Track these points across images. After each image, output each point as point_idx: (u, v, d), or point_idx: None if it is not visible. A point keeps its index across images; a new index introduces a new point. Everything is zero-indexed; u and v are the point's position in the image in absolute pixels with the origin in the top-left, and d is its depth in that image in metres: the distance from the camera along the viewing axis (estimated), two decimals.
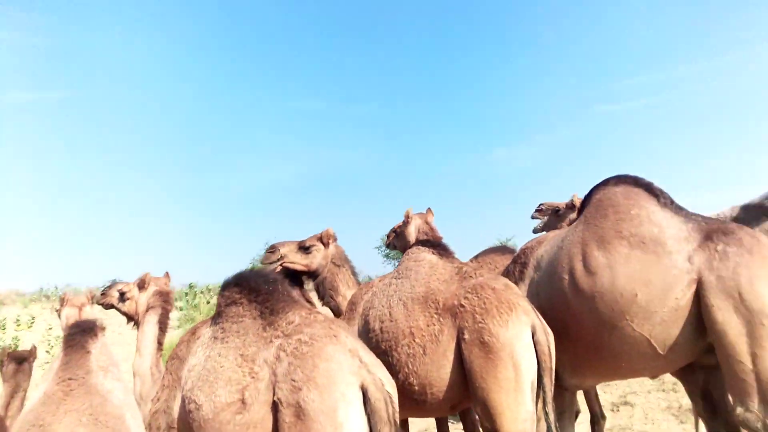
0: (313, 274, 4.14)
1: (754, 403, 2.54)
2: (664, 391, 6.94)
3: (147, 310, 3.82)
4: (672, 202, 3.04)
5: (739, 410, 2.62)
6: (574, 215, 4.68)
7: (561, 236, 3.34)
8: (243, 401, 2.32)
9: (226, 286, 2.81)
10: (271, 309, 2.60)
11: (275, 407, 2.24)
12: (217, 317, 2.75)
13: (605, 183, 3.26)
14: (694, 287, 2.70)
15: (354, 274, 4.18)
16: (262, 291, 2.69)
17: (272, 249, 4.10)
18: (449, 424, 4.42)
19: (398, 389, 3.12)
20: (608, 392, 7.48)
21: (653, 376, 3.31)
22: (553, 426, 2.76)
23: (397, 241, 4.65)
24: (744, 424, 2.63)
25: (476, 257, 4.66)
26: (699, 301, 2.68)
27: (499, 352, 2.76)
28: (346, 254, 4.25)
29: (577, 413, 5.20)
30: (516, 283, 3.48)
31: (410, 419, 3.81)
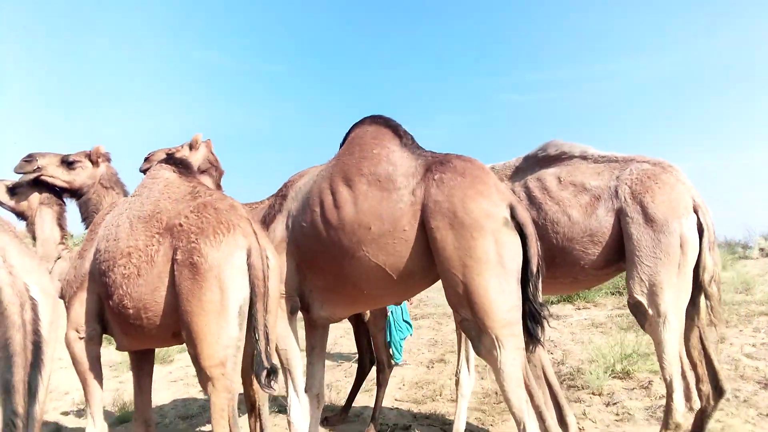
0: (76, 193, 3.77)
1: (468, 311, 2.69)
2: None
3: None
4: (413, 142, 3.16)
5: (460, 319, 2.80)
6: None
7: (318, 170, 3.38)
8: None
9: None
10: None
11: None
12: None
13: (361, 122, 3.33)
14: (419, 216, 2.82)
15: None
16: None
17: (29, 158, 3.64)
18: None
19: (115, 313, 2.93)
20: (431, 351, 7.71)
21: (396, 303, 3.40)
22: (263, 353, 2.65)
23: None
24: (466, 331, 2.78)
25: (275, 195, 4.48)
26: (425, 228, 2.79)
27: (205, 274, 2.60)
28: (119, 177, 3.90)
29: (372, 363, 5.26)
30: (275, 214, 3.43)
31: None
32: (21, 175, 3.71)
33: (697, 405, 3.12)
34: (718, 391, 3.34)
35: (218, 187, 4.08)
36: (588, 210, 3.30)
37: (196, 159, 4.08)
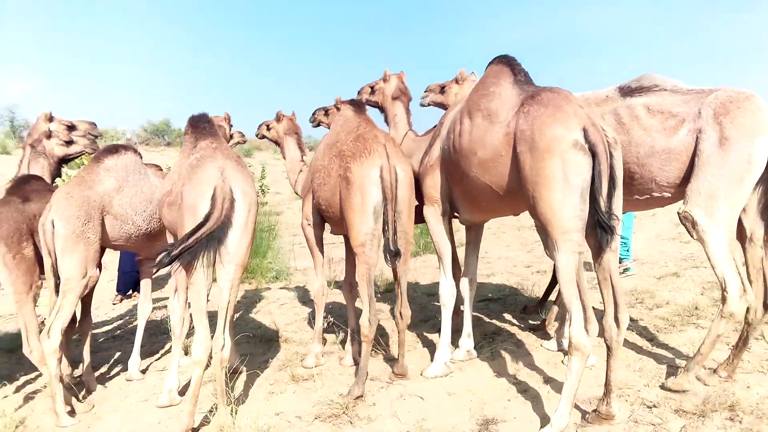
0: (278, 143, 5.78)
1: (537, 220, 3.21)
2: None
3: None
4: (525, 78, 3.61)
5: (537, 225, 3.36)
6: (458, 88, 5.17)
7: (461, 104, 4.13)
8: (172, 190, 3.80)
9: (186, 123, 4.21)
10: (197, 138, 3.98)
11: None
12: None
13: (491, 62, 3.87)
14: (512, 144, 3.33)
15: (299, 142, 5.66)
16: (197, 127, 4.05)
17: (259, 126, 5.85)
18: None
19: (320, 208, 4.42)
20: (677, 265, 7.55)
21: (515, 214, 4.06)
22: (390, 241, 3.76)
23: (373, 96, 5.41)
24: (540, 235, 3.40)
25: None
26: (516, 153, 3.30)
27: (353, 184, 3.80)
28: (296, 127, 5.70)
29: None
30: (435, 138, 4.37)
31: None
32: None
33: (751, 297, 3.45)
34: (765, 308, 3.63)
35: (407, 111, 5.20)
36: (671, 132, 3.52)
37: (389, 89, 5.25)
